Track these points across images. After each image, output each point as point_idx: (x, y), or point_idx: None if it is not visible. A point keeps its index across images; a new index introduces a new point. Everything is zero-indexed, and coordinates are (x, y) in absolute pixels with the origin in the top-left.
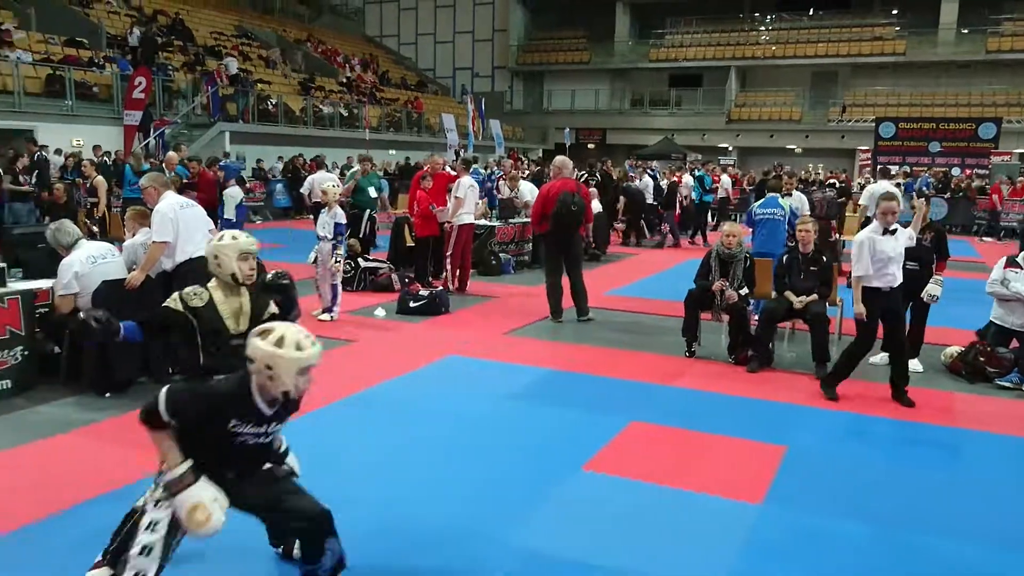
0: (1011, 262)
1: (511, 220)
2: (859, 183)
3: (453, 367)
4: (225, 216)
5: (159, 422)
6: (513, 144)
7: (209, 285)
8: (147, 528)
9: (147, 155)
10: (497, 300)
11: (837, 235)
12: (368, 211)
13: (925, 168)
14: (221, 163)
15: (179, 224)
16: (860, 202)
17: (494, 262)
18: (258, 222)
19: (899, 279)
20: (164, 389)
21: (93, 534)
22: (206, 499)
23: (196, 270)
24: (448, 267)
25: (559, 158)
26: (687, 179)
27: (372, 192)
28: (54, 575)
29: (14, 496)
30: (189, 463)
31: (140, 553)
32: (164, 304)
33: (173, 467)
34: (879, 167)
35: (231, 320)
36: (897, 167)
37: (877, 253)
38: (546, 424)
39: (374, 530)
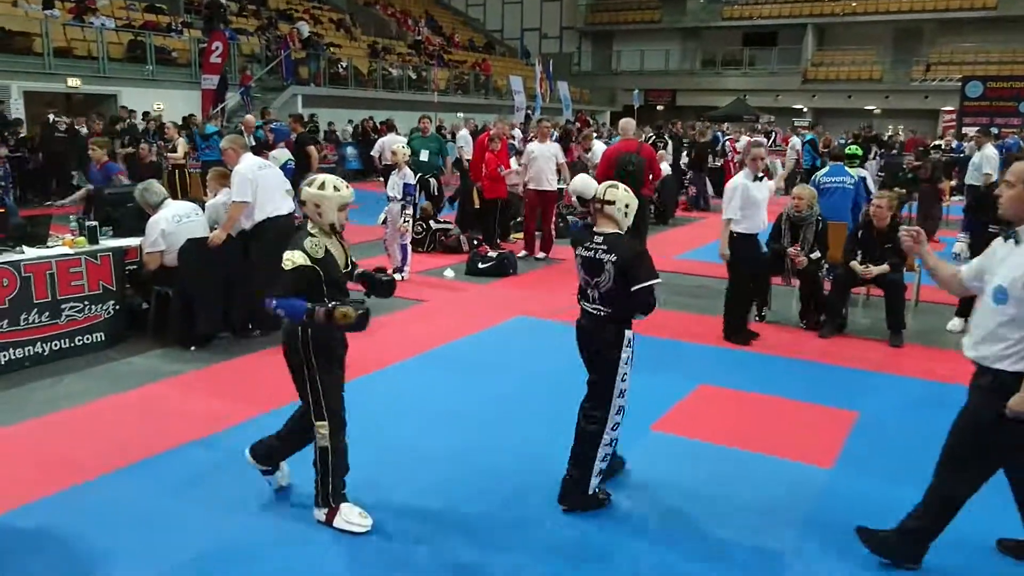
0: None
1: None
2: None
3: (521, 327)
4: None
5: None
6: (581, 106)
7: (312, 231)
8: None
9: (221, 118)
10: (565, 263)
11: (946, 199)
12: (419, 175)
13: (1015, 130)
14: (272, 125)
15: (258, 185)
16: (986, 170)
17: (562, 224)
18: None
19: (765, 224)
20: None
21: (186, 476)
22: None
23: (275, 229)
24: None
25: (623, 120)
26: (795, 141)
27: (424, 155)
28: (155, 512)
29: (111, 441)
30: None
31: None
32: (294, 267)
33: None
34: (980, 128)
35: (341, 262)
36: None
37: (748, 199)
38: None
39: (444, 479)
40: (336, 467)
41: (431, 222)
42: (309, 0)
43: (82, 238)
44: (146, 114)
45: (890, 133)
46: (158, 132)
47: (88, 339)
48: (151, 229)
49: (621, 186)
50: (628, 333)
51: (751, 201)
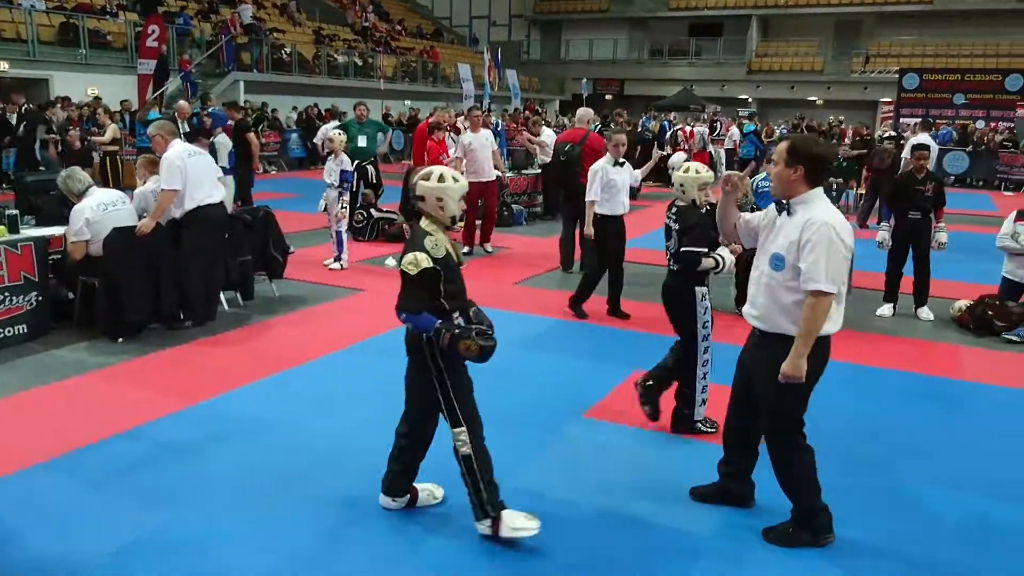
0: (1021, 215)
1: (524, 171)
2: (878, 135)
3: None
4: (220, 164)
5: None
6: (530, 95)
7: (429, 229)
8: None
9: (161, 103)
10: (508, 251)
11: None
12: (356, 161)
13: (947, 121)
14: (209, 110)
15: (187, 172)
16: (904, 155)
17: (506, 213)
18: (273, 172)
19: (627, 207)
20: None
21: (110, 470)
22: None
23: (206, 218)
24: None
25: (581, 109)
26: (733, 131)
27: (362, 141)
28: (74, 507)
29: (33, 435)
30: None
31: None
32: (420, 271)
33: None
34: (920, 120)
35: (455, 258)
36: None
37: (609, 182)
38: (550, 373)
39: (377, 471)
40: (483, 472)
41: (373, 211)
42: None
43: (2, 227)
44: (66, 100)
45: (832, 123)
46: (91, 118)
47: (9, 331)
48: (75, 218)
49: (691, 166)
50: (699, 290)
51: (611, 184)
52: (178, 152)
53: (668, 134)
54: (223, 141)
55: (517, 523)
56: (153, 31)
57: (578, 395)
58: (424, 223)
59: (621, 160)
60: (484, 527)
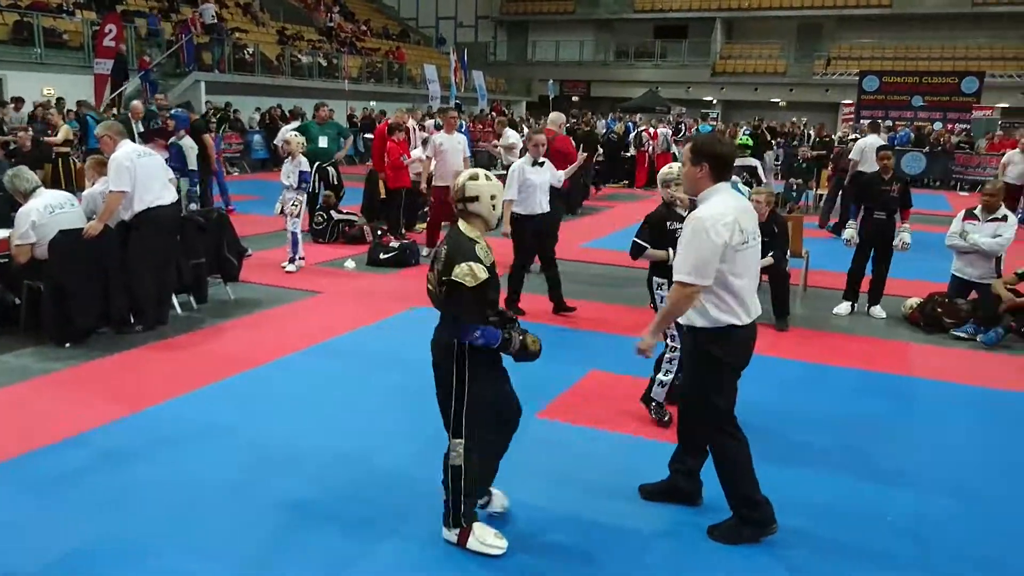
0: (969, 214)
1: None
2: (838, 137)
3: (418, 318)
4: (190, 168)
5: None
6: (497, 96)
7: (472, 235)
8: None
9: (120, 104)
10: None
11: None
12: (317, 163)
13: (906, 123)
14: (172, 111)
15: (137, 173)
16: (851, 156)
17: None
18: (235, 174)
19: (545, 207)
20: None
21: (54, 478)
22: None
23: (156, 220)
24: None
25: (553, 112)
26: (663, 132)
27: (323, 142)
28: (14, 516)
29: None
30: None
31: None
32: (479, 282)
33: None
34: (869, 121)
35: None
36: (879, 121)
37: (525, 182)
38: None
39: (329, 475)
40: (469, 489)
41: (333, 212)
42: None
43: None
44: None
45: (795, 124)
46: (44, 119)
47: None
48: (21, 220)
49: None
50: (656, 279)
51: (527, 184)
52: (127, 153)
53: (632, 135)
54: (189, 144)
55: (487, 539)
56: (110, 30)
57: (532, 396)
58: (464, 228)
59: (541, 160)
60: (451, 535)
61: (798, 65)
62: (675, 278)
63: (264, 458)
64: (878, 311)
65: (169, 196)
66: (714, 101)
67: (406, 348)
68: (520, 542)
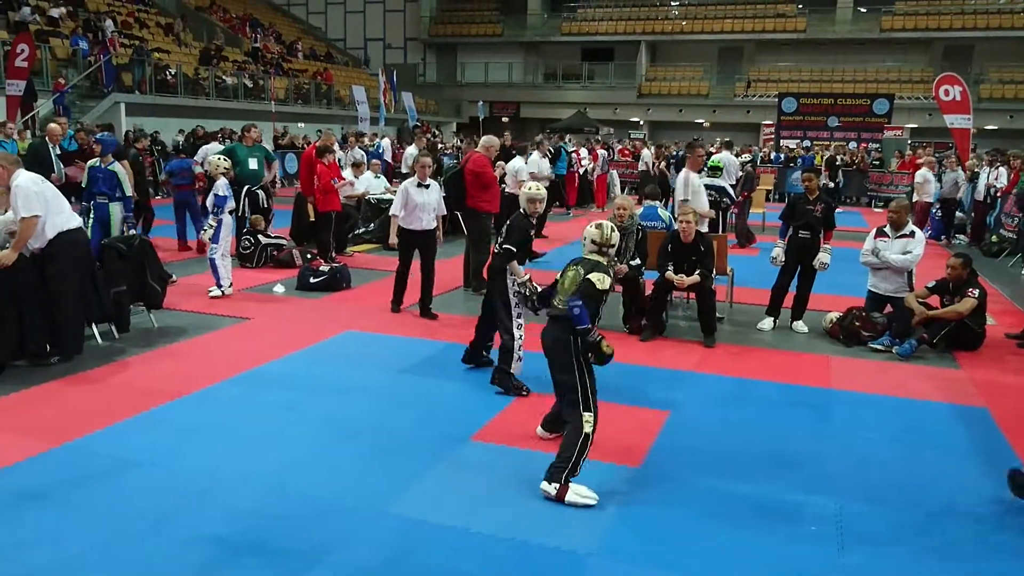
0: (880, 232)
1: None
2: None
3: (349, 342)
4: (128, 195)
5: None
6: (427, 117)
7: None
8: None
9: (33, 127)
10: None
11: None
12: (247, 187)
13: (824, 143)
14: (96, 136)
15: (46, 196)
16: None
17: None
18: (159, 197)
19: (429, 224)
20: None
21: None
22: None
23: (72, 244)
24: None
25: (486, 136)
26: (645, 153)
27: (253, 164)
28: None
29: None
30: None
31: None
32: (602, 288)
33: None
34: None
35: None
36: (798, 141)
37: (410, 201)
38: (439, 397)
39: (260, 507)
40: (582, 454)
41: (261, 236)
42: (134, 3)
43: None
44: None
45: (713, 147)
46: None
47: None
48: None
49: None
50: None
51: (412, 202)
52: (30, 178)
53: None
54: (120, 169)
55: (583, 492)
56: (22, 50)
57: (466, 419)
58: (596, 258)
59: (427, 182)
60: (551, 489)
61: (720, 87)
62: None
63: (185, 492)
64: (800, 325)
65: (76, 220)
66: (641, 122)
67: (337, 373)
68: (452, 567)
